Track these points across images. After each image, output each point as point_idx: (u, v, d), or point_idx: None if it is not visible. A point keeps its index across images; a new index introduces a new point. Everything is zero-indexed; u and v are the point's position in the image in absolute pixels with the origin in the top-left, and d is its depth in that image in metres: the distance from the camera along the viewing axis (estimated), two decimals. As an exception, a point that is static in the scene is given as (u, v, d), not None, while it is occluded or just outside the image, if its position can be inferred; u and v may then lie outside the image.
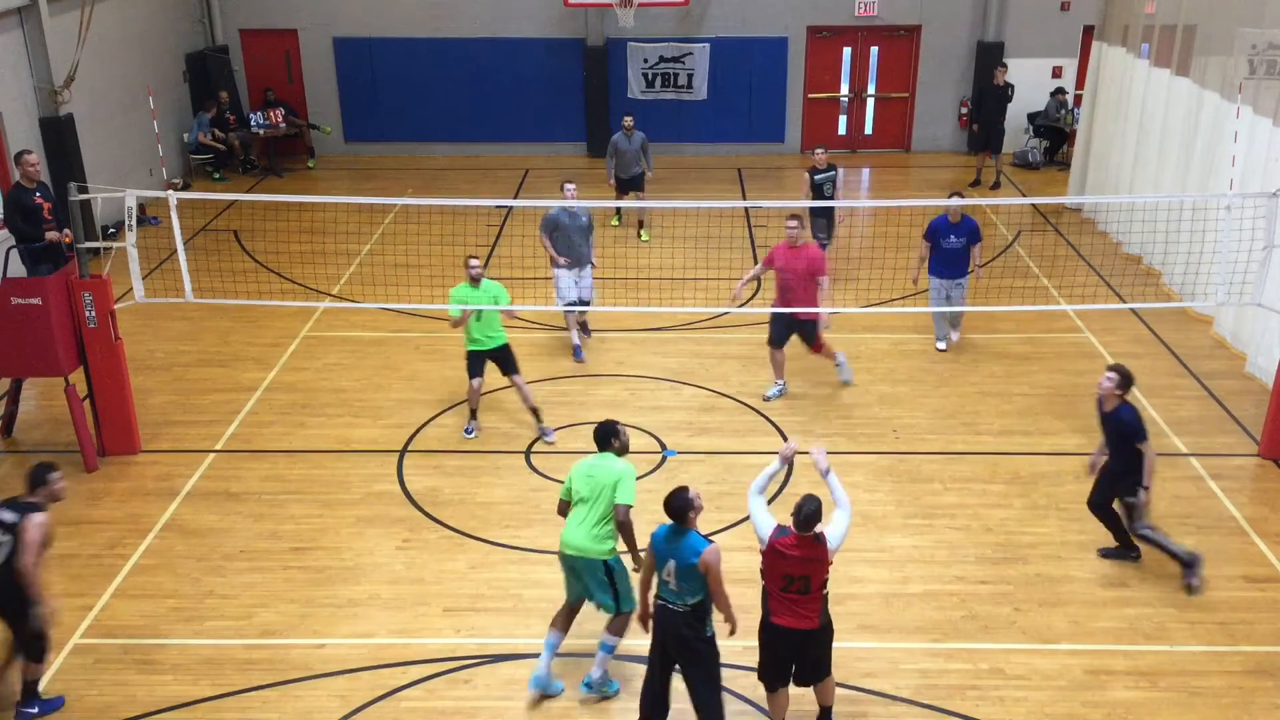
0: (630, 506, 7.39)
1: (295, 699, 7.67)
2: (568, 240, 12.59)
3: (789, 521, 6.85)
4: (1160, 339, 13.22)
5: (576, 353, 12.78)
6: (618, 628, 7.62)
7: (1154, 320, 13.70)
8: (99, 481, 10.37)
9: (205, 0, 20.63)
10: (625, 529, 7.44)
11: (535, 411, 11.06)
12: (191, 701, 7.65)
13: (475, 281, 10.74)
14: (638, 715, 7.23)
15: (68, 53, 15.58)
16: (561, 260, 12.58)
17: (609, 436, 7.64)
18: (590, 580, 7.54)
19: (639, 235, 16.89)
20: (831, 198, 14.55)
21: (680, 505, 6.82)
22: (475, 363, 10.91)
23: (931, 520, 9.68)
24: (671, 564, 6.79)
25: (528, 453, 10.83)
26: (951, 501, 9.97)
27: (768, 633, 7.00)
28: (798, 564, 6.75)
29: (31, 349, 10.21)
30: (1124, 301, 13.97)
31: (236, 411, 11.64)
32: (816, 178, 14.66)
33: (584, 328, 13.22)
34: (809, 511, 6.72)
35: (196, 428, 11.31)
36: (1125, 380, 8.59)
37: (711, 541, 6.83)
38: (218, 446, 10.98)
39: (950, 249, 12.42)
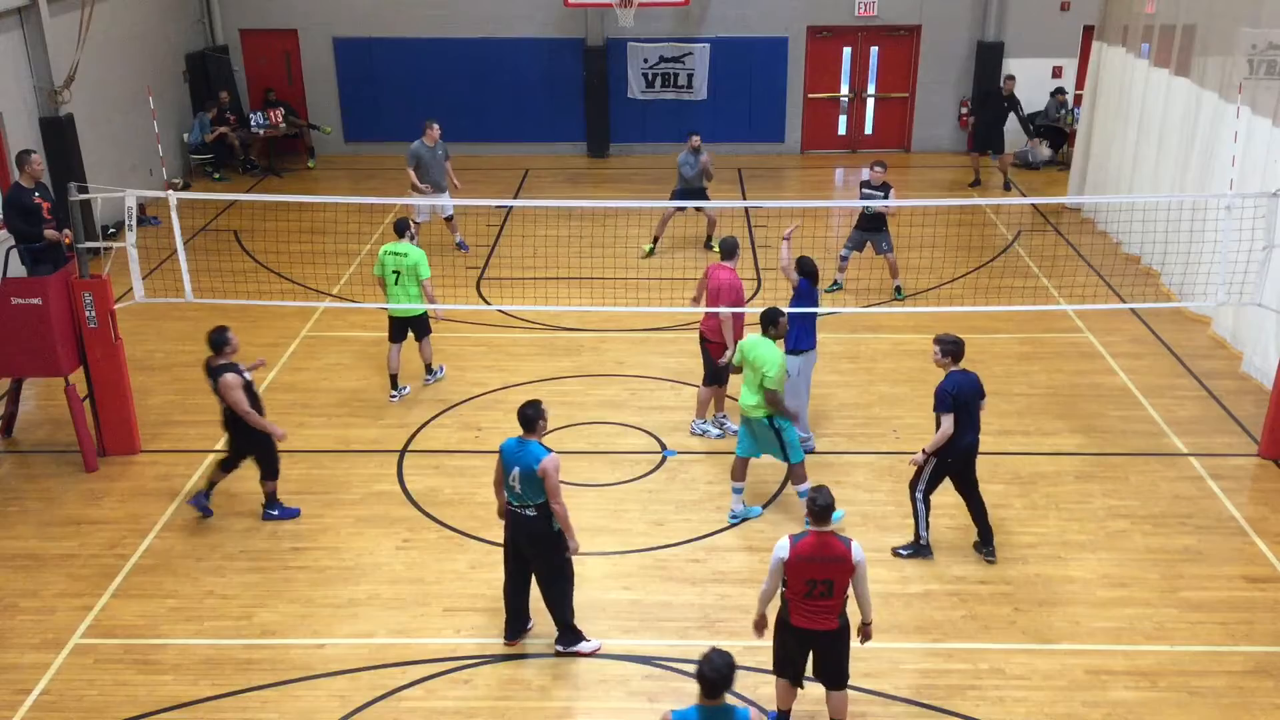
0: (776, 391, 9.16)
1: (295, 699, 7.68)
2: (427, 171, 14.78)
3: (796, 530, 6.92)
4: (1160, 339, 13.22)
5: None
6: (798, 477, 9.41)
7: (1153, 320, 13.70)
8: (99, 481, 10.37)
9: (205, 0, 20.63)
10: (774, 402, 9.20)
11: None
12: (191, 701, 7.65)
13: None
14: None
15: (68, 53, 15.58)
16: (424, 187, 14.93)
17: (769, 323, 9.36)
18: (760, 434, 9.37)
19: (648, 251, 15.99)
20: (876, 214, 13.94)
21: (531, 415, 7.57)
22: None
23: (931, 520, 9.66)
24: (516, 470, 7.53)
25: (528, 453, 10.82)
26: (951, 501, 9.95)
27: (787, 633, 7.03)
28: (820, 566, 6.70)
29: (31, 349, 10.21)
30: (1124, 301, 13.98)
31: (236, 411, 11.63)
32: (864, 192, 14.14)
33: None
34: (824, 503, 6.72)
35: (196, 428, 11.31)
36: (947, 349, 8.81)
37: (551, 451, 7.52)
38: (218, 446, 10.97)
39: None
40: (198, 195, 17.40)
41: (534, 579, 7.97)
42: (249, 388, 9.32)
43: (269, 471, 9.67)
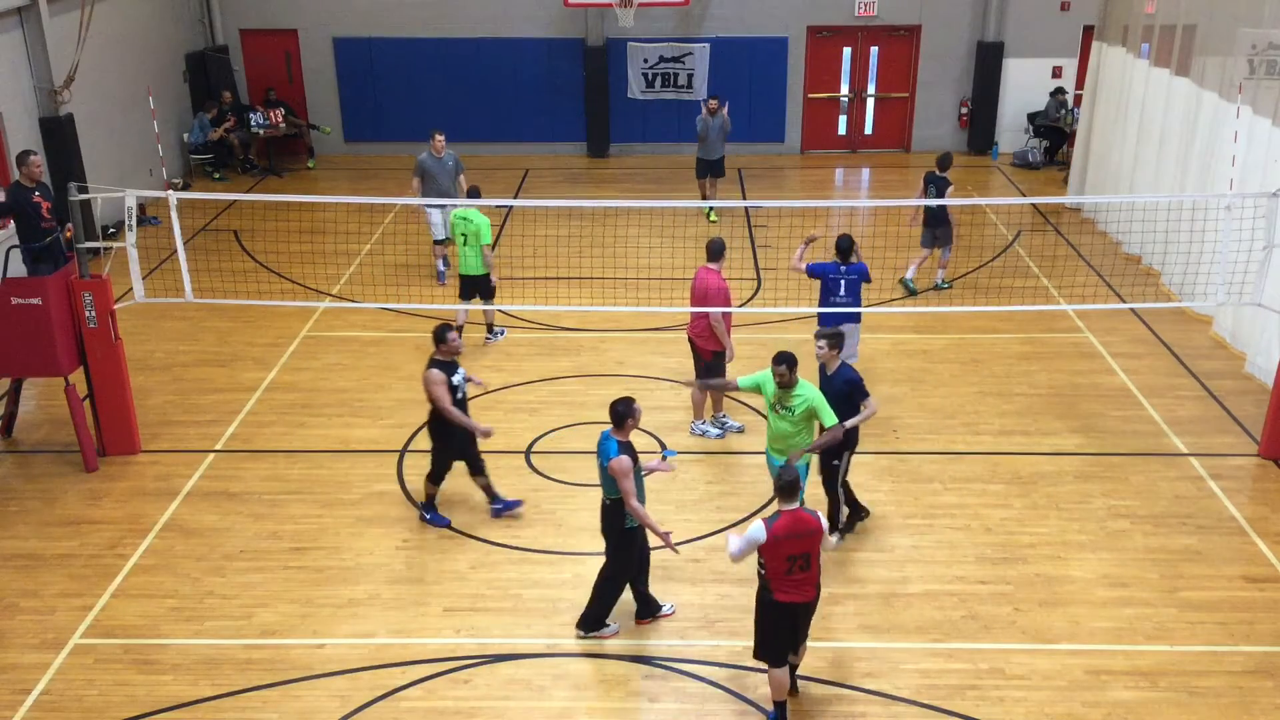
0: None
1: (295, 699, 7.67)
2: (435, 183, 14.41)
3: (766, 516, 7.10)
4: (1160, 339, 13.22)
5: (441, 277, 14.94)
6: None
7: (1154, 320, 13.70)
8: (99, 481, 10.37)
9: (205, 0, 20.63)
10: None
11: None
12: (191, 701, 7.65)
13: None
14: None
15: (68, 53, 15.58)
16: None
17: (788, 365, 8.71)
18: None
19: (708, 216, 17.49)
20: (936, 208, 14.13)
21: (621, 411, 7.82)
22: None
23: (931, 520, 9.68)
24: (600, 463, 7.81)
25: (528, 453, 10.83)
26: (951, 501, 9.97)
27: (774, 611, 7.17)
28: (797, 542, 6.97)
29: (31, 349, 10.21)
30: (1124, 301, 13.98)
31: (236, 411, 11.64)
32: (932, 188, 14.41)
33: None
34: (789, 479, 7.02)
35: (196, 428, 11.31)
36: (834, 342, 8.89)
37: (621, 453, 7.67)
38: (218, 446, 10.98)
39: (839, 302, 11.11)
40: (198, 195, 17.40)
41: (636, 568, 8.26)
42: (455, 390, 9.19)
43: (435, 476, 9.59)
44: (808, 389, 8.58)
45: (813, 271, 11.23)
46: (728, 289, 10.69)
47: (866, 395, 8.88)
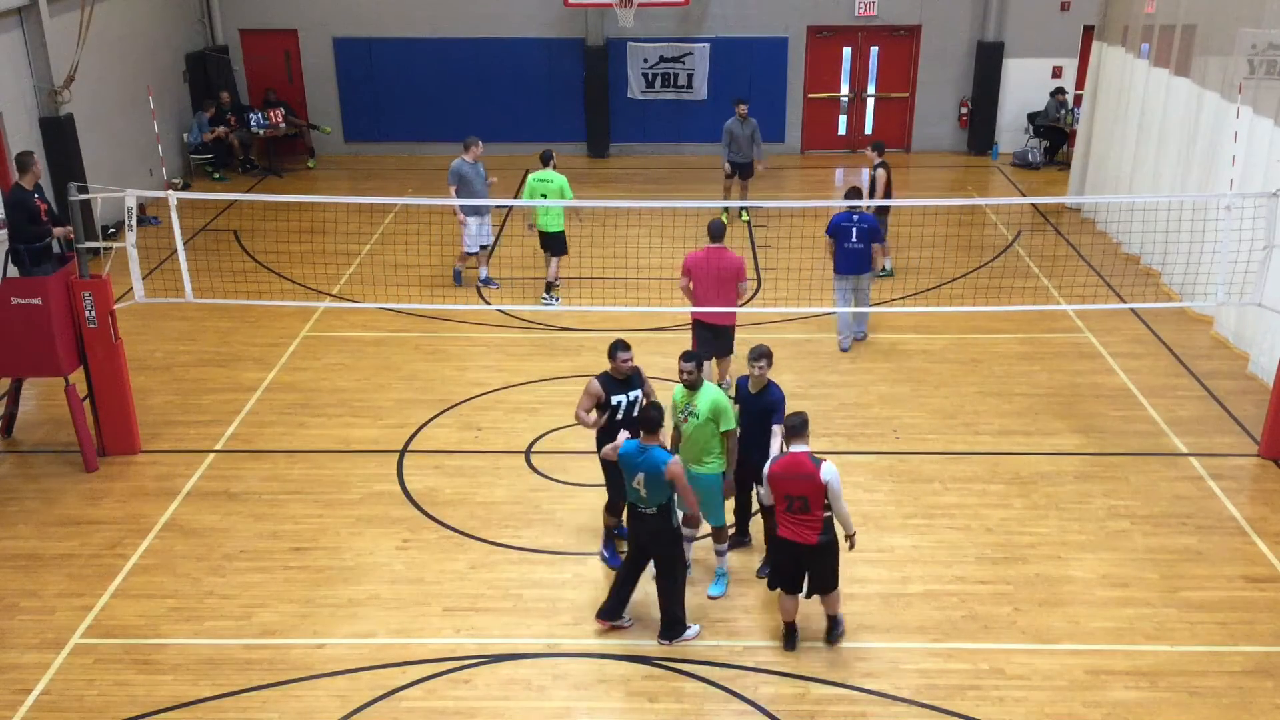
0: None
1: (295, 699, 7.67)
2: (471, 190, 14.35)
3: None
4: (1160, 339, 13.22)
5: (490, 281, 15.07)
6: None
7: (1154, 320, 13.70)
8: (99, 481, 10.37)
9: (205, 0, 20.63)
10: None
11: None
12: (191, 701, 7.65)
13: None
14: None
15: (68, 53, 15.58)
16: (463, 219, 14.41)
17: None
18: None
19: (740, 215, 17.66)
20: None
21: (657, 418, 7.75)
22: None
23: (931, 520, 9.67)
24: (641, 476, 7.70)
25: (528, 453, 10.83)
26: (951, 501, 9.96)
27: (773, 544, 8.02)
28: (793, 483, 7.50)
29: (31, 349, 10.21)
30: (1124, 301, 13.98)
31: (236, 411, 11.64)
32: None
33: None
34: (795, 423, 7.62)
35: (196, 428, 11.31)
36: (770, 360, 8.61)
37: (673, 455, 7.78)
38: (218, 446, 10.98)
39: (852, 248, 12.43)
40: (198, 195, 17.40)
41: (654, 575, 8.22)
42: (614, 411, 8.60)
43: (612, 506, 8.98)
44: (711, 389, 8.35)
45: (832, 227, 12.61)
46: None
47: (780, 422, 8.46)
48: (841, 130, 21.95)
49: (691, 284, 11.13)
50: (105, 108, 17.11)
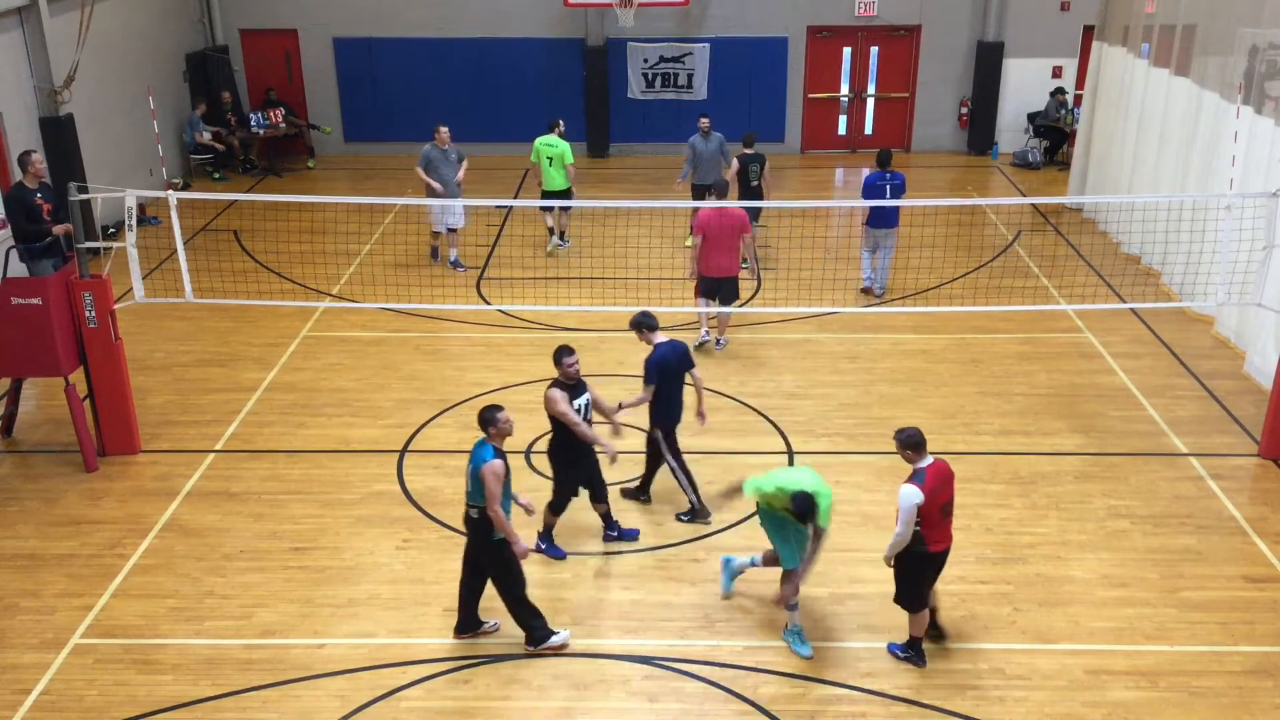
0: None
1: (295, 699, 7.67)
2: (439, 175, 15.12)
3: (898, 481, 7.67)
4: (1160, 339, 13.22)
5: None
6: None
7: (1154, 320, 13.69)
8: (99, 481, 10.37)
9: (205, 0, 20.64)
10: None
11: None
12: (191, 701, 7.65)
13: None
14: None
15: (68, 53, 15.59)
16: (438, 187, 15.06)
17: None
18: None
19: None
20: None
21: (485, 417, 7.63)
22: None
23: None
24: (469, 468, 7.64)
25: (527, 453, 10.83)
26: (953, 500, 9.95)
27: (925, 561, 7.65)
28: (945, 488, 7.57)
29: (31, 349, 10.21)
30: (1124, 301, 13.98)
31: (236, 411, 11.64)
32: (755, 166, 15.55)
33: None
34: (915, 437, 7.52)
35: (196, 428, 11.31)
36: (638, 325, 9.60)
37: (501, 457, 7.52)
38: (218, 446, 10.98)
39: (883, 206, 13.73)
40: (198, 195, 17.39)
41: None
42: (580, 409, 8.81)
43: (557, 506, 9.13)
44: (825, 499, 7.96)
45: (866, 188, 14.08)
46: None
47: (652, 381, 9.32)
48: (841, 130, 21.95)
49: (703, 239, 12.37)
50: (105, 108, 17.12)
